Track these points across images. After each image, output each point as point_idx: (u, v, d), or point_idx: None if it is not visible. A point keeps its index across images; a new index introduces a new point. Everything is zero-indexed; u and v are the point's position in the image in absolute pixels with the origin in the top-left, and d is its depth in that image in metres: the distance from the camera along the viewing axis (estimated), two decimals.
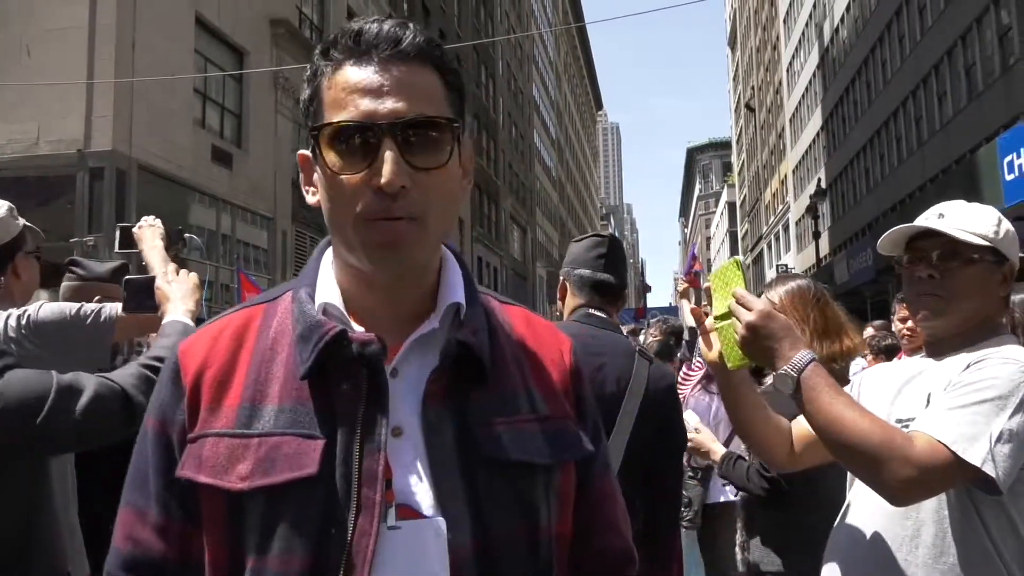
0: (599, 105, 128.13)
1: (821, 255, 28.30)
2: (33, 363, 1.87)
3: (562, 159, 75.82)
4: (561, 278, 2.69)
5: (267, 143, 19.93)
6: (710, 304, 1.78)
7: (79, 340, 2.28)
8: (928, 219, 1.78)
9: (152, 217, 2.75)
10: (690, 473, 4.69)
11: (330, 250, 1.11)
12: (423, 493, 0.99)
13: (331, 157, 0.98)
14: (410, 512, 0.98)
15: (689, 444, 2.90)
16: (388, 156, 0.95)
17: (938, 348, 1.79)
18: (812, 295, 2.61)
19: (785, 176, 53.66)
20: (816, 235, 27.78)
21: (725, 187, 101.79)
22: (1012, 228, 1.78)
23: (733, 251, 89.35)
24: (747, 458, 2.73)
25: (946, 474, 1.50)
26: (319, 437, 0.98)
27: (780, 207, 56.30)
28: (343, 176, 0.97)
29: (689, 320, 6.08)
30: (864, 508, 1.75)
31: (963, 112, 22.98)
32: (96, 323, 2.28)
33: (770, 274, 55.55)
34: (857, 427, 1.52)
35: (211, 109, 18.26)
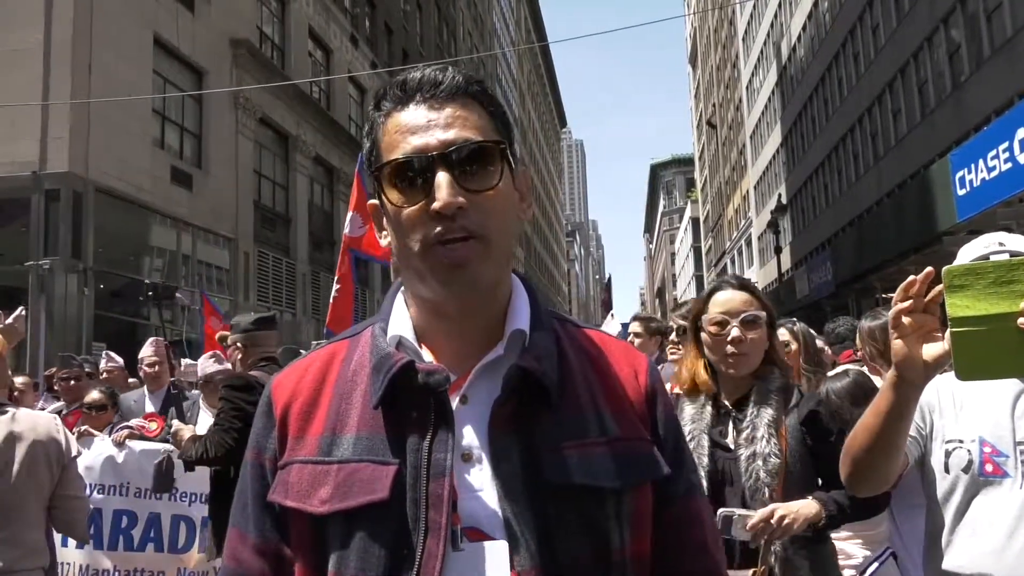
0: (563, 122, 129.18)
1: (783, 269, 28.69)
2: None
3: None
4: None
5: (228, 163, 19.74)
6: (904, 304, 1.51)
7: None
8: (990, 247, 1.89)
9: None
10: None
11: (402, 290, 1.17)
12: (491, 516, 1.02)
13: (393, 195, 1.05)
14: (480, 535, 1.02)
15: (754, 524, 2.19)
16: (441, 181, 1.01)
17: None
18: None
19: (747, 192, 54.44)
20: (778, 250, 28.16)
21: (689, 203, 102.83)
22: None
23: (697, 266, 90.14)
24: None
25: None
26: (392, 463, 1.03)
27: (742, 222, 57.07)
28: (405, 210, 1.04)
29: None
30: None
31: (917, 128, 23.52)
32: None
33: None
34: None
35: (170, 130, 18.06)
